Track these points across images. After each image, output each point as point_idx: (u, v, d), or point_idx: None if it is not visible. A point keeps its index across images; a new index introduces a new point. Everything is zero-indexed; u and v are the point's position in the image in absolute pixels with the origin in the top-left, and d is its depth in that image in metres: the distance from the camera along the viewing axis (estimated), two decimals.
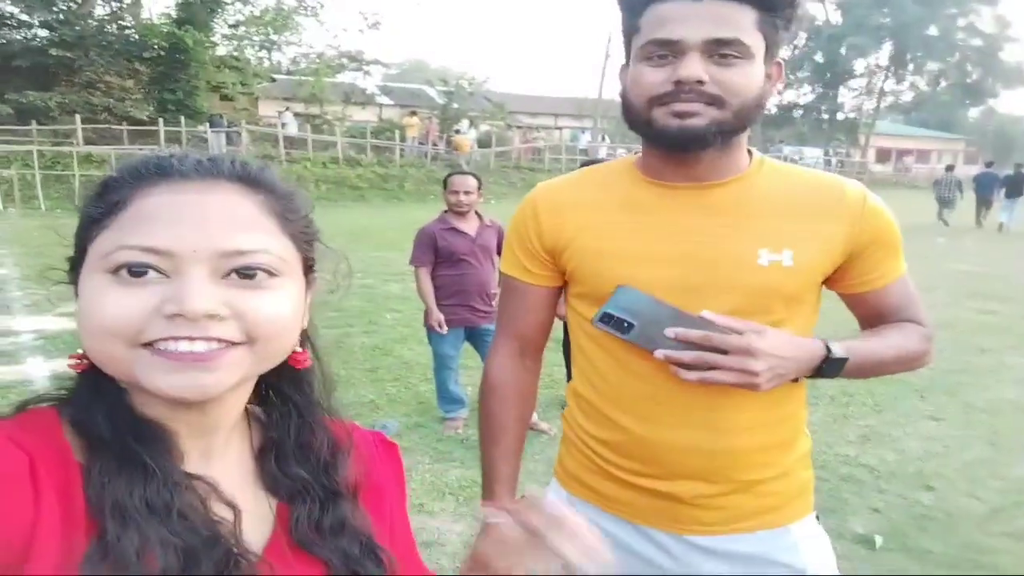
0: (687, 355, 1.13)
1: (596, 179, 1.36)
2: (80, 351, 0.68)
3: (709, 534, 1.28)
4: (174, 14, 25.52)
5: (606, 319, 1.20)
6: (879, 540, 3.21)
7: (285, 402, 0.78)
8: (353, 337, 6.41)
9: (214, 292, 0.62)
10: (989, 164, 22.00)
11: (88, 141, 20.31)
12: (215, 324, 0.62)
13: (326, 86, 29.13)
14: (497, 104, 32.42)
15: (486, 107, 32.04)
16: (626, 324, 1.19)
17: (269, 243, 0.67)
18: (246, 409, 0.76)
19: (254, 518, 0.71)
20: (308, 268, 0.74)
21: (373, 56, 33.77)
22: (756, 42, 1.13)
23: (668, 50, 1.12)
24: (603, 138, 33.41)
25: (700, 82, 1.11)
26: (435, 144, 26.98)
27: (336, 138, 24.67)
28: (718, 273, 1.19)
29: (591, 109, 35.80)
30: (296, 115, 27.66)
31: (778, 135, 44.92)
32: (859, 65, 47.54)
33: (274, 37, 30.49)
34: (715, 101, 1.12)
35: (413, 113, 28.18)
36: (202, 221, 0.63)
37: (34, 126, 20.29)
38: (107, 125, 21.67)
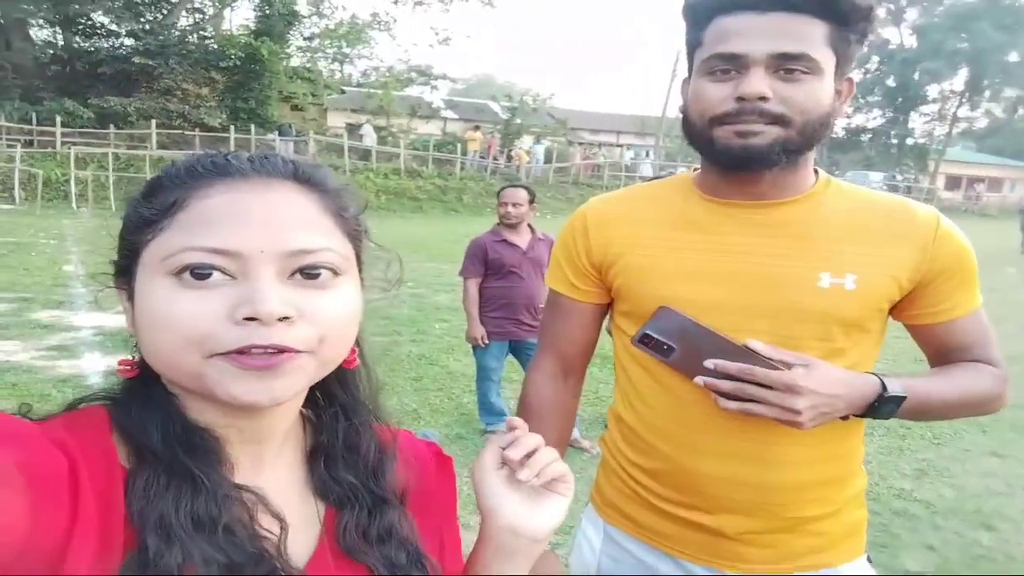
0: (726, 385, 1.08)
1: (650, 194, 1.30)
2: (131, 356, 0.67)
3: (753, 572, 1.22)
4: (253, 26, 26.43)
5: (646, 340, 1.15)
6: None
7: (333, 403, 0.77)
8: (401, 345, 6.48)
9: (284, 292, 0.61)
10: None
11: (161, 146, 21.18)
12: (287, 329, 0.61)
13: (394, 99, 29.71)
14: (560, 120, 32.62)
15: (549, 123, 32.26)
16: (666, 347, 1.13)
17: (331, 242, 0.66)
18: (300, 413, 0.75)
19: (301, 527, 0.70)
20: (359, 266, 0.73)
21: (441, 71, 34.43)
22: (825, 57, 1.07)
23: (731, 65, 1.08)
24: (648, 155, 33.17)
25: (763, 99, 1.06)
26: (495, 158, 27.25)
27: (399, 150, 25.14)
28: (775, 295, 1.13)
29: (654, 127, 35.74)
30: (361, 126, 28.30)
31: (844, 159, 44.08)
32: (932, 90, 46.28)
33: (347, 50, 31.34)
34: (779, 119, 1.07)
35: (476, 128, 28.57)
36: (266, 220, 0.63)
37: (112, 130, 21.26)
38: (180, 131, 22.54)
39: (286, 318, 0.60)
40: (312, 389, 0.72)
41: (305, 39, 30.36)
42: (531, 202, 4.35)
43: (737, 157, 1.10)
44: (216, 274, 0.60)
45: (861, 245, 1.13)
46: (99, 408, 0.65)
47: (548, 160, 27.83)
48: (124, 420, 0.64)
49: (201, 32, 27.97)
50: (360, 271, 0.72)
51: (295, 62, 28.93)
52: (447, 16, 61.43)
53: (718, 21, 1.10)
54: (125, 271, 0.66)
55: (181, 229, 0.61)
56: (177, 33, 26.32)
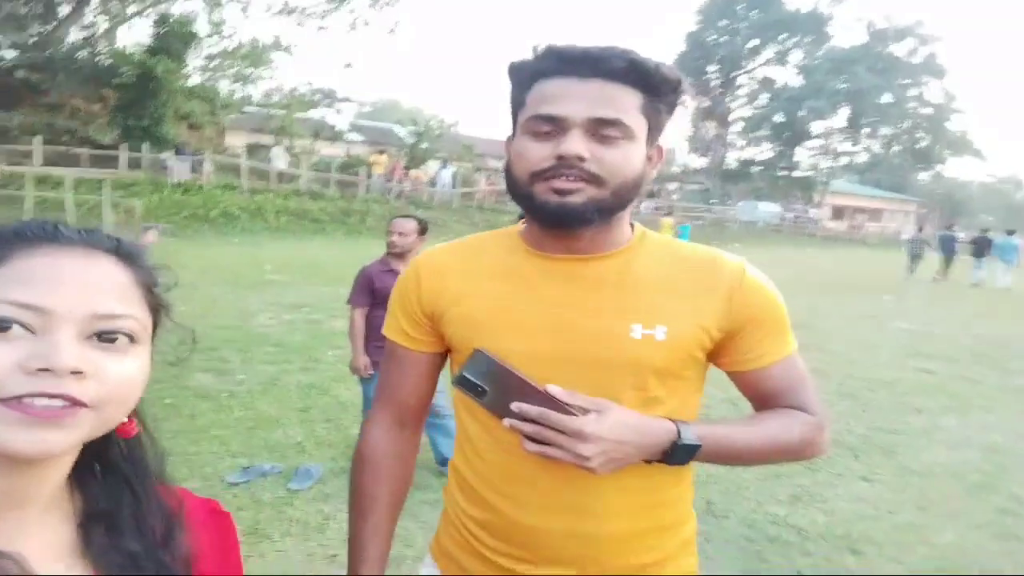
0: (528, 428, 1.10)
1: (480, 246, 1.33)
2: None
3: None
4: (149, 43, 25.57)
5: (462, 382, 1.17)
6: None
7: (113, 472, 0.77)
8: (290, 374, 6.35)
9: (79, 351, 0.65)
10: (950, 227, 25.84)
11: (49, 162, 20.13)
12: (75, 383, 0.64)
13: (295, 121, 29.25)
14: (466, 146, 32.84)
15: (455, 149, 32.42)
16: (480, 389, 1.15)
17: (134, 311, 0.71)
18: (68, 478, 0.74)
19: None
20: (153, 337, 0.77)
21: (345, 94, 34.11)
22: (638, 124, 1.14)
23: (552, 126, 1.12)
24: None
25: (581, 159, 1.10)
26: (400, 181, 27.16)
27: (300, 171, 24.71)
28: (590, 346, 1.17)
29: None
30: (261, 147, 27.74)
31: (735, 189, 46.17)
32: (817, 126, 49.23)
33: (247, 71, 30.64)
34: (594, 179, 1.12)
35: (382, 151, 28.47)
36: (80, 284, 0.67)
37: None
38: (67, 147, 21.53)
39: (78, 372, 0.64)
40: (88, 460, 0.74)
41: (204, 59, 29.61)
42: (421, 233, 4.33)
43: (554, 213, 1.14)
44: (16, 327, 0.63)
45: (671, 297, 1.19)
46: None
47: (454, 185, 27.95)
48: None
49: (92, 48, 26.86)
50: (152, 341, 0.76)
51: (193, 81, 28.13)
52: (351, 41, 60.90)
53: (541, 84, 1.15)
54: None
55: None
56: (66, 48, 25.19)
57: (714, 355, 1.23)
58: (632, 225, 1.27)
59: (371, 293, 4.24)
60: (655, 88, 1.14)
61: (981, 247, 22.37)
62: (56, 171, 19.03)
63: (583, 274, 1.21)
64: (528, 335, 1.19)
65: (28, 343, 0.63)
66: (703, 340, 1.19)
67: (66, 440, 0.64)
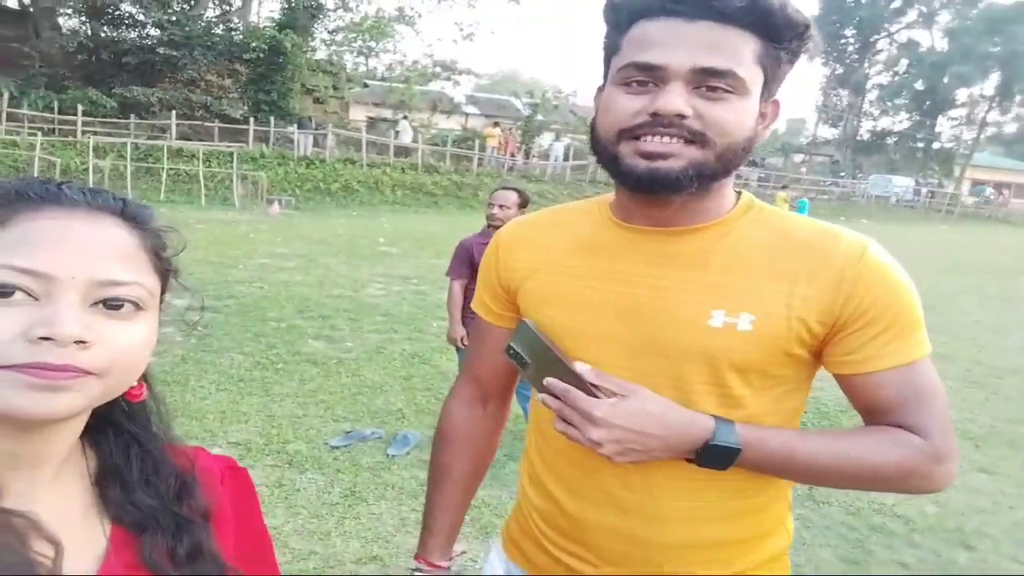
0: (553, 404, 1.03)
1: (564, 218, 1.21)
2: None
3: None
4: (277, 18, 26.59)
5: (509, 352, 1.12)
6: None
7: (121, 434, 0.77)
8: (395, 343, 6.48)
9: (84, 318, 0.63)
10: None
11: (182, 136, 21.37)
12: (79, 352, 0.63)
13: (416, 94, 29.77)
14: (581, 118, 32.51)
15: (571, 120, 32.17)
16: (524, 361, 1.10)
17: (141, 277, 0.69)
18: (80, 440, 0.75)
19: (85, 549, 0.70)
20: (161, 302, 0.76)
21: (466, 66, 34.40)
22: (753, 76, 0.97)
23: (649, 76, 0.97)
24: None
25: (682, 116, 0.95)
26: (514, 155, 27.22)
27: (418, 144, 25.14)
28: (660, 331, 1.03)
29: None
30: (381, 120, 28.41)
31: (867, 162, 43.57)
32: (961, 94, 45.69)
33: (371, 44, 31.39)
34: (697, 138, 0.96)
35: (496, 124, 28.58)
36: (82, 249, 0.65)
37: (132, 119, 21.50)
38: (200, 122, 22.72)
39: (82, 342, 0.62)
40: (100, 423, 0.75)
41: (329, 32, 30.52)
42: (522, 205, 4.29)
43: (642, 180, 0.99)
44: (19, 293, 0.62)
45: (766, 281, 1.01)
46: None
47: (567, 158, 27.79)
48: None
49: (227, 23, 28.20)
50: (160, 306, 0.75)
51: (319, 55, 29.07)
52: (472, 11, 61.22)
53: (640, 25, 0.99)
54: None
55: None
56: (203, 24, 26.55)
57: (819, 352, 1.04)
58: (738, 193, 1.10)
59: (470, 265, 4.25)
60: (776, 32, 0.97)
61: None
62: (189, 145, 20.15)
63: (667, 249, 1.06)
64: (597, 316, 1.08)
65: (31, 310, 0.62)
66: (801, 334, 1.00)
67: (72, 403, 0.64)
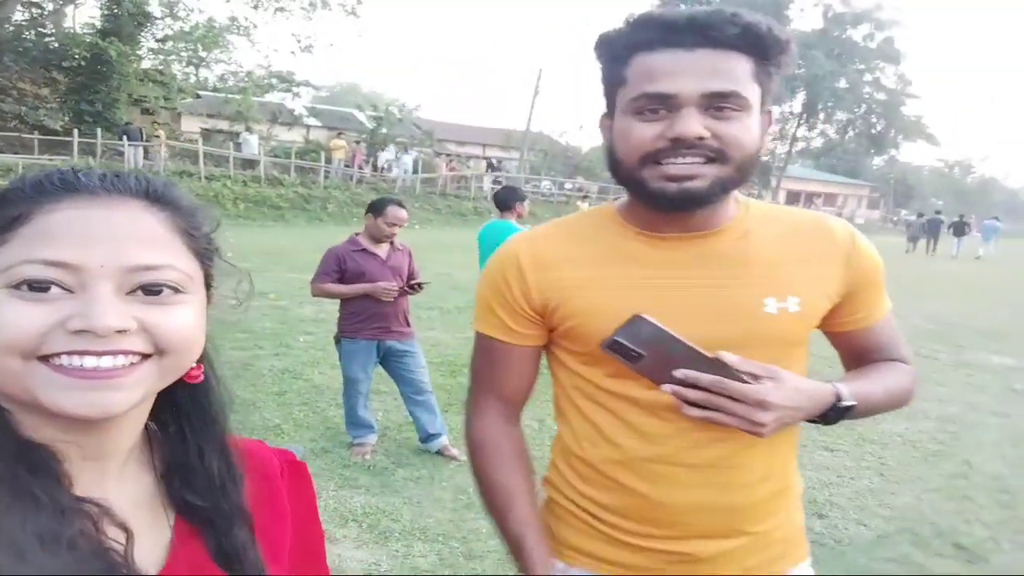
0: (694, 395, 1.07)
1: (581, 232, 1.26)
2: None
3: None
4: (99, 25, 24.90)
5: (615, 347, 1.11)
6: None
7: (180, 419, 0.76)
8: (263, 359, 6.36)
9: (122, 307, 0.62)
10: (938, 212, 32.36)
11: None
12: (123, 338, 0.61)
13: (253, 105, 28.76)
14: (426, 131, 32.68)
15: (415, 134, 32.24)
16: (635, 354, 1.10)
17: (175, 260, 0.66)
18: (146, 427, 0.74)
19: (152, 538, 0.70)
20: (207, 284, 0.73)
21: (304, 78, 33.58)
22: (753, 93, 1.07)
23: (661, 104, 1.06)
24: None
25: (700, 138, 1.05)
26: (361, 167, 26.93)
27: (259, 156, 24.33)
28: (725, 324, 1.14)
29: (519, 141, 36.40)
30: (217, 132, 27.22)
31: None
32: (774, 111, 49.64)
33: (203, 54, 30.00)
34: (717, 156, 1.07)
35: (340, 135, 28.14)
36: (109, 237, 0.63)
37: None
38: (16, 133, 20.95)
39: (124, 331, 0.61)
40: (162, 407, 0.73)
41: (158, 41, 28.85)
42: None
43: (674, 200, 1.09)
44: (54, 288, 0.60)
45: (797, 267, 1.17)
46: None
47: (416, 170, 27.81)
48: None
49: (40, 29, 26.05)
50: (209, 288, 0.73)
51: (147, 64, 27.46)
52: (309, 23, 59.95)
53: (642, 58, 1.08)
54: None
55: (22, 243, 0.62)
56: (11, 28, 24.38)
57: (825, 317, 1.23)
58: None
59: (340, 272, 4.30)
60: (766, 52, 1.08)
61: (961, 227, 28.50)
62: (6, 158, 18.46)
63: (704, 252, 1.17)
64: (662, 319, 1.11)
65: (68, 303, 0.60)
66: (827, 307, 1.20)
67: (126, 399, 0.63)
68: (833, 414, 1.15)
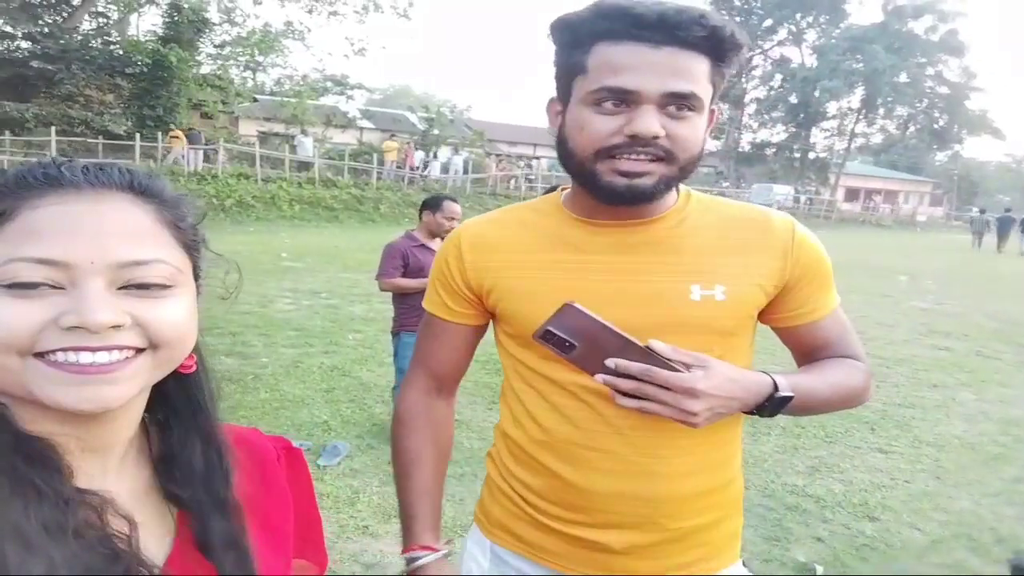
0: (625, 384, 1.06)
1: (522, 217, 1.29)
2: None
3: None
4: (160, 32, 25.65)
5: (547, 336, 1.10)
6: (819, 569, 3.29)
7: (174, 409, 0.76)
8: (312, 357, 6.43)
9: (114, 303, 0.62)
10: (1008, 210, 31.12)
11: (62, 153, 20.19)
12: (117, 333, 0.61)
13: (308, 108, 29.30)
14: (477, 132, 32.81)
15: (466, 134, 32.42)
16: (567, 344, 1.09)
17: (164, 254, 0.66)
18: (143, 419, 0.74)
19: (155, 529, 0.71)
20: (196, 275, 0.73)
21: (357, 81, 34.10)
22: (707, 93, 1.08)
23: (621, 99, 1.06)
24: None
25: (656, 137, 1.06)
26: (413, 168, 27.18)
27: (314, 159, 24.77)
28: (651, 309, 1.15)
29: None
30: (274, 135, 27.78)
31: (750, 172, 45.85)
32: (832, 107, 48.62)
33: (259, 58, 30.71)
34: (666, 156, 1.08)
35: (392, 137, 28.47)
36: (97, 232, 0.62)
37: (8, 136, 20.27)
38: (82, 138, 21.62)
39: (118, 326, 0.61)
40: (157, 398, 0.74)
41: (216, 46, 29.68)
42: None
43: (622, 195, 1.10)
44: (44, 287, 0.60)
45: (727, 256, 1.18)
46: None
47: (466, 171, 27.96)
48: None
49: (105, 37, 26.98)
50: (197, 279, 0.73)
51: (205, 69, 28.23)
52: (362, 27, 60.80)
53: (604, 48, 1.06)
54: None
55: (7, 240, 0.61)
56: (79, 37, 25.30)
57: (766, 311, 1.23)
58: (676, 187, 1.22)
59: (404, 267, 4.41)
60: (724, 54, 1.08)
61: None
62: None
63: (636, 239, 1.19)
64: (588, 304, 1.11)
65: (60, 299, 0.60)
66: (759, 298, 1.19)
67: (123, 393, 0.63)
68: (770, 405, 1.12)
